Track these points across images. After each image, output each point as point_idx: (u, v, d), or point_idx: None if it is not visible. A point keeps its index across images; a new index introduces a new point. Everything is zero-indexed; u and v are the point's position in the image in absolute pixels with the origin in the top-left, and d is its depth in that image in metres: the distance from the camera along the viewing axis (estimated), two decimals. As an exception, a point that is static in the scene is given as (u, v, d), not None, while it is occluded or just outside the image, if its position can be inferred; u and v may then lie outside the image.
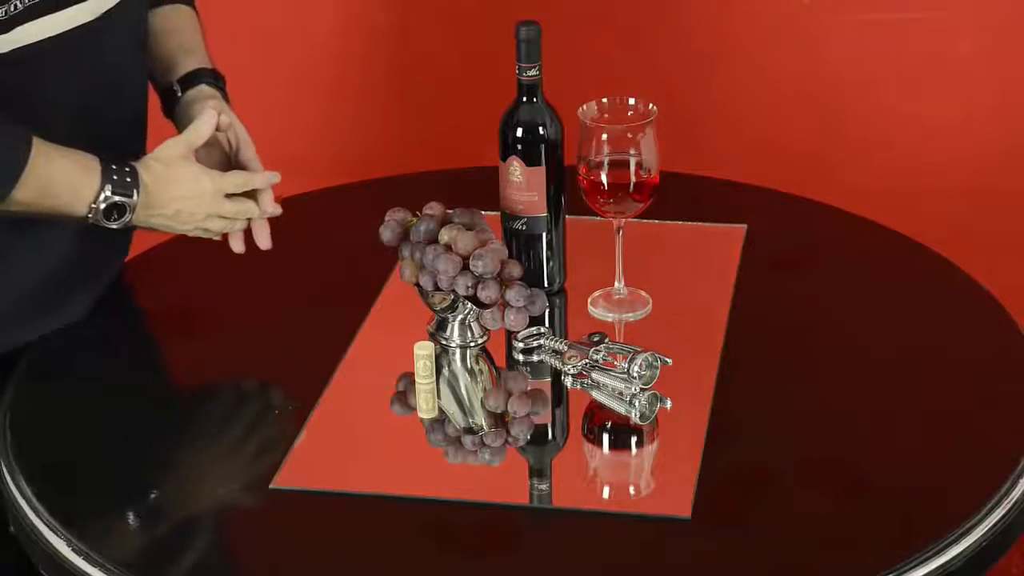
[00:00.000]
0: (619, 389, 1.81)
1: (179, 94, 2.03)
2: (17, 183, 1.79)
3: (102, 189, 1.83)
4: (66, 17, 1.86)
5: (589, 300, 1.99)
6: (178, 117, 2.03)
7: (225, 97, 2.05)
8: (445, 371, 1.89)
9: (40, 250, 1.95)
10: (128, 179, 1.85)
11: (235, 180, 1.93)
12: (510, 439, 1.77)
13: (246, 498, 1.71)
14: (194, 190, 1.89)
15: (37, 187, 1.81)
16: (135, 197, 1.85)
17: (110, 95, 1.95)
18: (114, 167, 1.85)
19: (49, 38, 1.85)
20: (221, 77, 2.07)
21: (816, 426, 1.79)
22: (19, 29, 1.82)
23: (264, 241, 1.98)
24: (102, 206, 1.83)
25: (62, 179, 1.82)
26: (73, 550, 1.66)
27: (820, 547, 1.63)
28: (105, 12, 1.90)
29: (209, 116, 1.94)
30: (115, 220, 1.85)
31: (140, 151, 2.01)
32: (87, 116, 1.92)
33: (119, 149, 1.90)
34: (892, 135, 2.83)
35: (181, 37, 2.08)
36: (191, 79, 2.03)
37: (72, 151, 1.84)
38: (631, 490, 1.75)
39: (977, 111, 2.76)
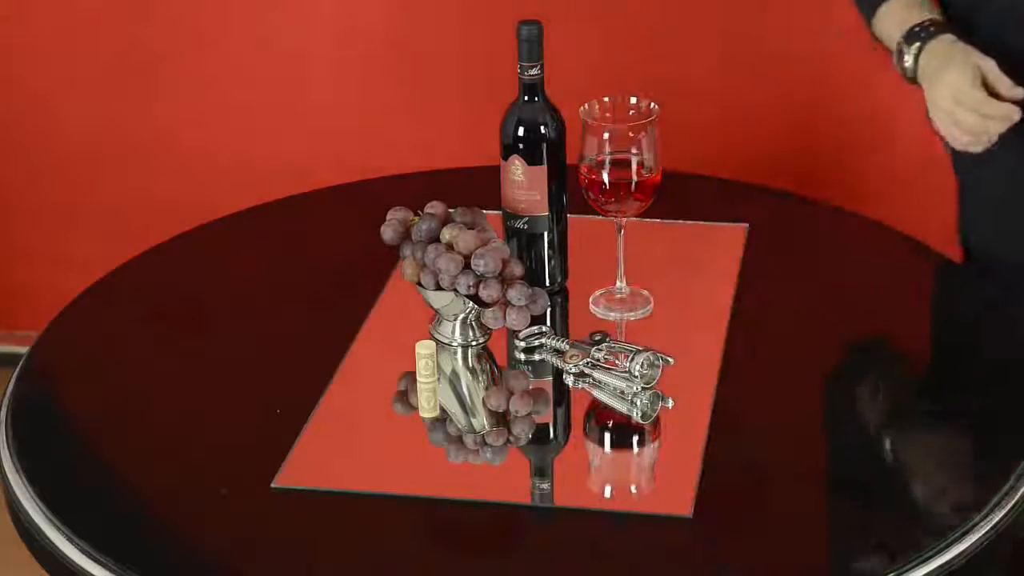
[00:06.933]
0: (620, 388, 1.81)
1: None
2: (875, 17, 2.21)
3: (914, 25, 2.15)
4: None
5: (590, 299, 1.99)
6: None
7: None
8: (447, 370, 1.89)
9: None
10: (918, 30, 2.15)
11: (991, 65, 2.10)
12: (511, 438, 1.78)
13: (246, 498, 1.72)
14: (952, 71, 2.08)
15: (888, 21, 2.19)
16: (925, 44, 2.13)
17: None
18: (922, 18, 2.16)
19: None
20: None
21: (816, 426, 1.79)
22: None
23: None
24: (903, 36, 2.16)
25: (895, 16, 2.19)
26: (76, 548, 1.66)
27: (820, 547, 1.63)
28: None
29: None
30: (914, 46, 2.15)
31: None
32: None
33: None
34: (892, 134, 2.83)
35: None
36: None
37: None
38: (632, 489, 1.75)
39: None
